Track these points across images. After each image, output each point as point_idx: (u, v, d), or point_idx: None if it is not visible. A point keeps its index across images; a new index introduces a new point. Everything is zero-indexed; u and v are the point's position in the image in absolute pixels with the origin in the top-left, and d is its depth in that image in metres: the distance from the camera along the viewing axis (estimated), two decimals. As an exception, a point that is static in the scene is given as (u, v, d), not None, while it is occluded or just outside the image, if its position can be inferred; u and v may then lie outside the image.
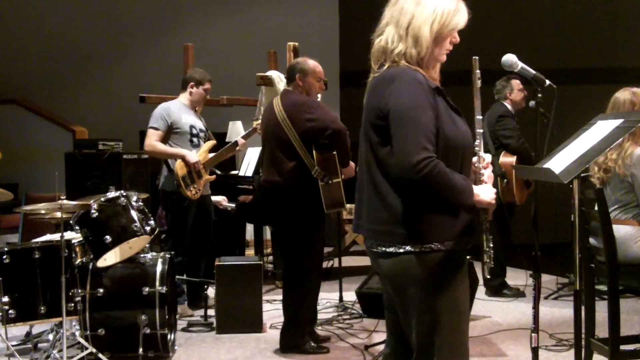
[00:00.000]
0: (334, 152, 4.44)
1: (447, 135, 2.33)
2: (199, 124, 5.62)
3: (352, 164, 4.67)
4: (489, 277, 2.50)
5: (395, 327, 2.54)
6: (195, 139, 5.54)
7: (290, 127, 4.41)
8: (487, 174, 2.47)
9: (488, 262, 2.48)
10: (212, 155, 5.62)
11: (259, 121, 5.64)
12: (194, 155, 5.41)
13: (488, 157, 2.50)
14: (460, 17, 2.41)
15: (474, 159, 2.46)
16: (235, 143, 5.77)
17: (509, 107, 6.05)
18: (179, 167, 5.37)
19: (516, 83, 6.07)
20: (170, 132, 5.46)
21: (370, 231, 2.44)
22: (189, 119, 5.54)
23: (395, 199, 2.34)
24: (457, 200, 2.31)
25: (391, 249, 2.36)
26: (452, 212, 2.34)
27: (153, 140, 5.42)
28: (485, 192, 2.38)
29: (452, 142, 2.34)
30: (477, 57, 2.49)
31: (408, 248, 2.33)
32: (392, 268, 2.39)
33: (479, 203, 2.37)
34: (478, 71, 2.49)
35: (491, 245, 2.48)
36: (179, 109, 5.54)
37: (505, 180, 5.81)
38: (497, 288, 6.09)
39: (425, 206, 2.32)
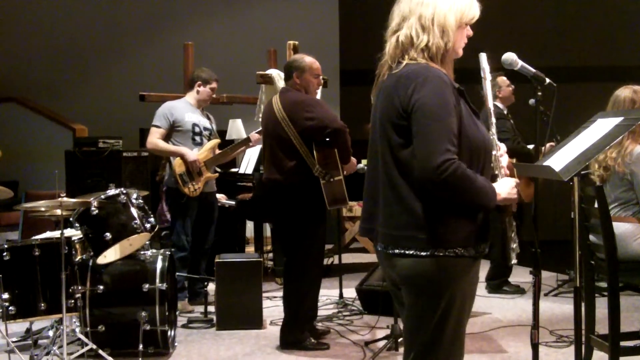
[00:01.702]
0: (335, 150, 4.44)
1: (470, 137, 2.29)
2: (204, 123, 5.65)
3: (353, 159, 4.67)
4: (514, 261, 2.44)
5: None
6: (197, 137, 5.57)
7: (290, 125, 4.41)
8: (505, 162, 2.44)
9: (515, 247, 2.44)
10: (217, 152, 5.65)
11: None
12: (193, 154, 5.44)
13: (504, 147, 2.47)
14: (476, 8, 2.41)
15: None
16: (248, 139, 5.75)
17: (501, 106, 6.04)
18: (177, 165, 5.44)
19: (502, 80, 6.07)
20: (172, 130, 5.51)
21: (387, 236, 2.37)
22: (193, 118, 5.58)
23: (417, 202, 2.27)
24: (479, 202, 2.27)
25: (411, 252, 2.30)
26: (474, 217, 2.31)
27: (154, 138, 5.49)
28: (506, 187, 2.36)
29: (474, 144, 2.31)
30: (484, 54, 2.48)
31: (430, 252, 2.28)
32: (410, 269, 2.33)
33: (502, 201, 2.34)
34: (485, 66, 2.48)
35: (515, 230, 2.43)
36: (183, 108, 5.59)
37: None
38: (498, 285, 6.10)
39: (447, 211, 2.27)
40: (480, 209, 2.30)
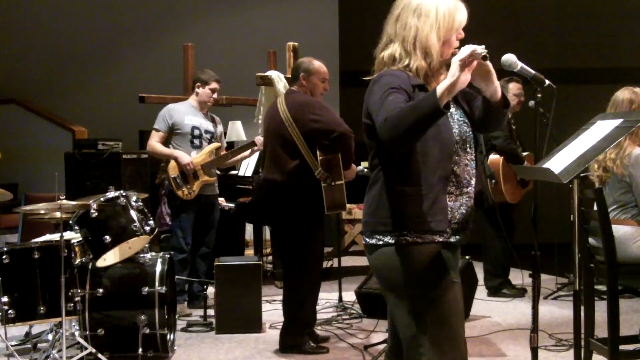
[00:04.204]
0: (338, 155, 4.43)
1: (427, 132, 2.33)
2: (206, 126, 5.63)
3: (353, 166, 4.66)
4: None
5: (394, 324, 2.55)
6: (196, 140, 5.55)
7: (294, 126, 4.41)
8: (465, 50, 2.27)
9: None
10: (221, 155, 5.64)
11: None
12: (187, 157, 5.44)
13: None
14: (461, 14, 2.43)
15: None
16: (253, 143, 5.68)
17: None
18: (171, 168, 5.46)
19: (514, 86, 5.97)
20: (172, 133, 5.53)
21: (362, 223, 2.55)
22: (193, 120, 5.56)
23: (376, 190, 2.44)
24: (422, 113, 2.20)
25: (373, 241, 2.44)
26: (429, 204, 2.35)
27: (153, 141, 5.53)
28: (445, 81, 2.20)
29: (431, 138, 2.33)
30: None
31: (387, 240, 2.39)
32: (375, 260, 2.47)
33: (450, 89, 2.18)
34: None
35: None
36: (184, 111, 5.58)
37: (494, 180, 5.79)
38: (497, 288, 6.09)
39: (399, 198, 2.37)
40: (432, 116, 2.21)
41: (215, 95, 5.71)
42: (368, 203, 2.48)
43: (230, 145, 7.18)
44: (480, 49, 2.25)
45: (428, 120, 2.23)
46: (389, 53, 2.45)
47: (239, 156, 5.80)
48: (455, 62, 2.21)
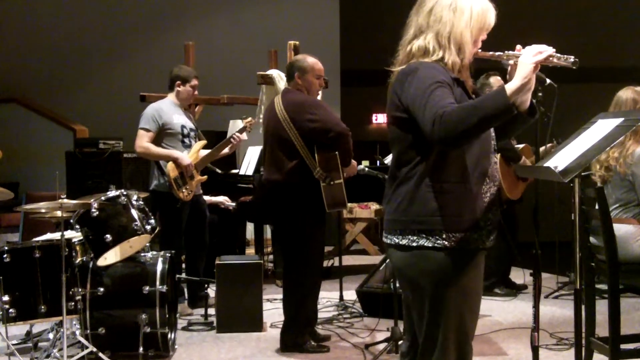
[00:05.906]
0: (336, 153, 4.42)
1: None
2: (189, 124, 5.57)
3: (353, 162, 4.65)
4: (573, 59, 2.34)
5: (412, 323, 2.54)
6: (186, 139, 5.48)
7: (292, 126, 4.40)
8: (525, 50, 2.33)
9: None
10: (204, 154, 5.59)
11: (249, 119, 5.66)
12: (187, 158, 5.36)
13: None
14: (492, 16, 2.44)
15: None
16: (229, 140, 5.65)
17: None
18: (170, 169, 5.31)
19: (496, 80, 5.94)
20: (162, 133, 5.38)
21: (386, 221, 2.47)
22: (180, 119, 5.48)
23: (409, 187, 2.35)
24: (489, 112, 2.18)
25: (404, 242, 2.37)
26: (470, 203, 2.33)
27: (144, 142, 5.34)
28: (516, 79, 2.23)
29: None
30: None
31: (422, 242, 2.34)
32: (403, 260, 2.41)
33: (519, 90, 2.22)
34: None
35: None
36: (170, 109, 5.46)
37: None
38: (488, 287, 6.04)
39: (439, 196, 2.31)
40: (499, 116, 2.20)
41: (196, 92, 5.63)
42: (397, 200, 2.39)
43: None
44: (556, 53, 2.30)
45: (493, 120, 2.22)
46: (419, 44, 2.40)
47: (220, 153, 5.71)
48: (528, 64, 2.24)
